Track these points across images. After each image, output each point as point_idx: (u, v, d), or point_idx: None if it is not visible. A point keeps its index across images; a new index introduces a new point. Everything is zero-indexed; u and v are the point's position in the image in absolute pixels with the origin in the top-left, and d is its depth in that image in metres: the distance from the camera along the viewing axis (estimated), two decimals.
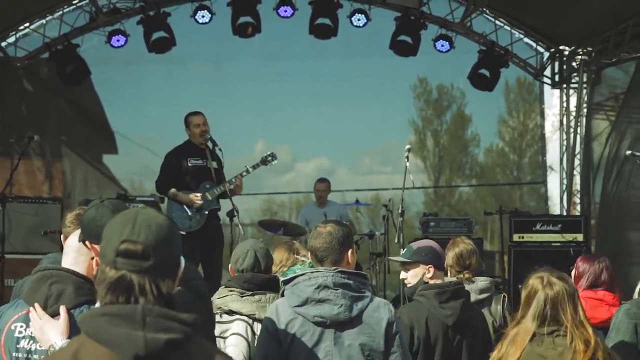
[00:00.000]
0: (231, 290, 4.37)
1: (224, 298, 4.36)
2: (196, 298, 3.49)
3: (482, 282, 5.26)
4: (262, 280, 4.38)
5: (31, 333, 3.08)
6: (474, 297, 5.16)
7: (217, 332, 4.26)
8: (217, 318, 4.31)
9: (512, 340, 3.58)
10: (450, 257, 5.28)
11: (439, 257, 4.62)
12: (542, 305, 3.55)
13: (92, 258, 3.23)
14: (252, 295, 4.32)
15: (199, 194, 8.22)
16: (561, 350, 3.46)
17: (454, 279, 4.87)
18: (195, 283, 3.60)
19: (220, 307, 4.35)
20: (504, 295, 5.40)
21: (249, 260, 4.43)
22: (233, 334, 4.22)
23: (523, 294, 3.66)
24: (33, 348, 3.08)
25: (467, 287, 5.14)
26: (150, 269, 2.02)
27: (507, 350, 3.56)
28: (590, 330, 3.52)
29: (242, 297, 4.33)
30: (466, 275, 5.22)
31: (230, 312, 4.29)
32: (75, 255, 3.24)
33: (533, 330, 3.53)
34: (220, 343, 4.23)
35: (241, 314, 4.26)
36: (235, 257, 4.52)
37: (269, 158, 8.65)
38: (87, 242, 3.12)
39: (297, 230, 10.49)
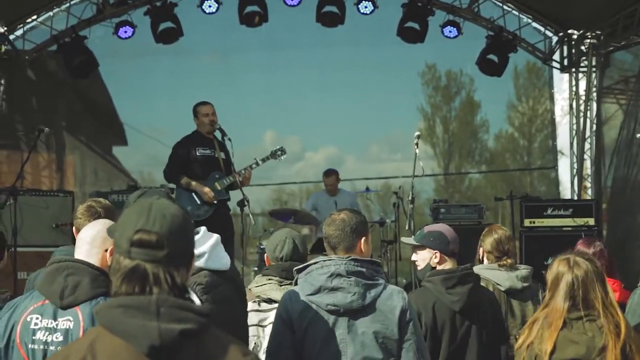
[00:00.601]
0: (269, 279, 4.37)
1: (262, 287, 4.37)
2: (239, 297, 3.54)
3: (524, 269, 5.27)
4: None
5: (47, 324, 3.10)
6: (520, 285, 5.17)
7: (255, 320, 4.28)
8: (256, 306, 4.32)
9: (545, 324, 3.55)
10: (488, 243, 5.29)
11: (447, 243, 4.58)
12: (571, 286, 3.53)
13: (106, 250, 3.26)
14: (291, 284, 4.33)
15: (212, 192, 8.24)
16: (592, 335, 3.45)
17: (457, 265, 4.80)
18: (238, 280, 3.65)
19: (259, 296, 4.36)
20: (540, 284, 5.39)
21: (287, 247, 4.44)
22: (272, 322, 4.25)
23: (549, 278, 3.65)
24: (50, 339, 3.09)
25: (510, 274, 5.16)
26: (164, 259, 2.03)
27: (541, 334, 3.53)
28: (620, 313, 3.52)
29: (281, 285, 4.33)
30: (509, 261, 5.21)
31: (270, 301, 4.30)
32: (88, 247, 3.26)
33: (564, 313, 3.51)
34: (259, 331, 4.25)
35: None
36: (273, 245, 4.53)
37: (279, 152, 8.66)
38: None
39: (307, 219, 10.51)
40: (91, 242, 3.27)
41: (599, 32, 12.35)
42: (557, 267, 3.63)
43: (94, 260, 3.25)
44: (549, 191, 13.91)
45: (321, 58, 14.16)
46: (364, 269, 3.52)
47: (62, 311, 3.12)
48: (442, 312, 4.36)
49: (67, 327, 3.10)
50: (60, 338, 3.09)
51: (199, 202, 8.25)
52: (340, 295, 3.46)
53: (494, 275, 5.05)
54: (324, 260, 3.56)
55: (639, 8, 10.90)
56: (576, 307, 3.52)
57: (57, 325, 3.11)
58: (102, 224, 3.37)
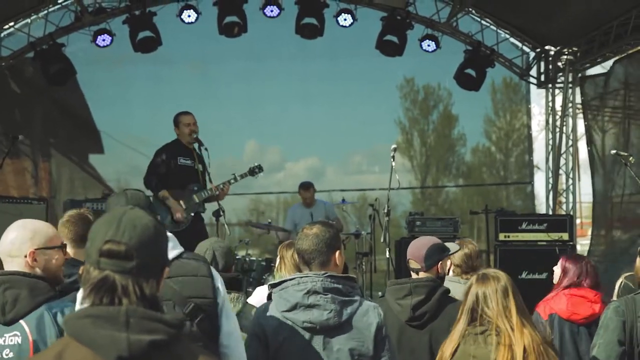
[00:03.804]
0: None
1: None
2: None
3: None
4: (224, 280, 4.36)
5: None
6: None
7: None
8: None
9: (449, 338, 3.67)
10: (458, 257, 5.27)
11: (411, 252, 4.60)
12: (473, 299, 3.65)
13: (28, 255, 3.28)
14: None
15: (184, 215, 8.16)
16: (491, 348, 3.53)
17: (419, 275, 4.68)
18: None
19: None
20: None
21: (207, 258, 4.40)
22: None
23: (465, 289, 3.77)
24: None
25: None
26: (134, 270, 2.01)
27: (444, 348, 3.66)
28: (519, 327, 3.56)
29: None
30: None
31: None
32: (21, 261, 3.28)
33: (465, 325, 3.62)
34: None
35: None
36: None
37: (256, 170, 8.66)
38: None
39: (280, 229, 10.53)
40: (9, 254, 3.28)
41: (576, 49, 12.48)
42: (470, 281, 3.76)
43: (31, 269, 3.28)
44: (525, 205, 14.00)
45: (300, 69, 14.18)
46: (340, 286, 3.49)
47: (7, 327, 3.11)
48: (392, 322, 4.28)
49: (16, 342, 3.10)
50: (11, 354, 3.09)
51: (171, 216, 8.19)
52: (317, 312, 3.43)
53: (455, 287, 5.03)
54: (300, 277, 3.52)
55: (615, 25, 11.03)
56: (478, 321, 3.61)
57: (3, 341, 3.10)
58: (22, 230, 3.36)
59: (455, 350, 3.60)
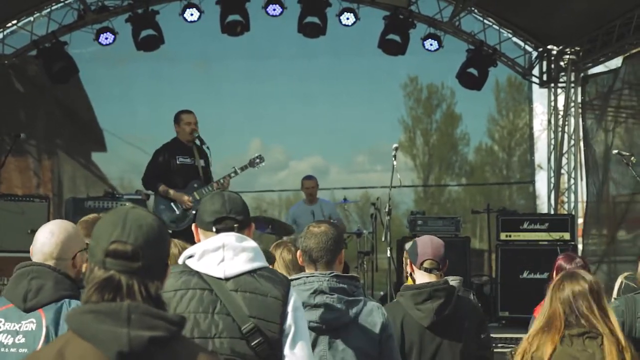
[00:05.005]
0: None
1: None
2: None
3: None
4: None
5: (10, 327, 3.15)
6: None
7: None
8: None
9: (546, 334, 3.57)
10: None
11: (414, 253, 4.50)
12: (570, 299, 3.57)
13: (73, 257, 3.33)
14: None
15: (190, 197, 8.19)
16: (592, 352, 3.47)
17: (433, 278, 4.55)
18: None
19: None
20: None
21: None
22: None
23: (550, 288, 3.68)
24: (11, 342, 3.15)
25: None
26: (139, 270, 2.02)
27: (540, 343, 3.55)
28: (619, 331, 3.55)
29: None
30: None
31: None
32: (55, 262, 3.33)
33: (563, 324, 3.54)
34: None
35: None
36: None
37: (257, 160, 8.64)
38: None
39: (284, 229, 10.50)
40: (58, 257, 3.32)
41: (578, 48, 12.47)
42: (559, 280, 3.67)
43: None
44: (527, 205, 13.99)
45: (303, 68, 14.19)
46: (345, 286, 3.50)
47: (26, 314, 3.17)
48: (411, 327, 4.26)
49: (30, 329, 3.16)
50: (22, 340, 3.14)
51: (177, 212, 8.20)
52: (323, 312, 3.44)
53: None
54: (306, 277, 3.53)
55: (618, 24, 11.02)
56: (575, 323, 3.55)
57: (19, 327, 3.16)
58: (65, 233, 3.40)
59: (553, 352, 3.51)
